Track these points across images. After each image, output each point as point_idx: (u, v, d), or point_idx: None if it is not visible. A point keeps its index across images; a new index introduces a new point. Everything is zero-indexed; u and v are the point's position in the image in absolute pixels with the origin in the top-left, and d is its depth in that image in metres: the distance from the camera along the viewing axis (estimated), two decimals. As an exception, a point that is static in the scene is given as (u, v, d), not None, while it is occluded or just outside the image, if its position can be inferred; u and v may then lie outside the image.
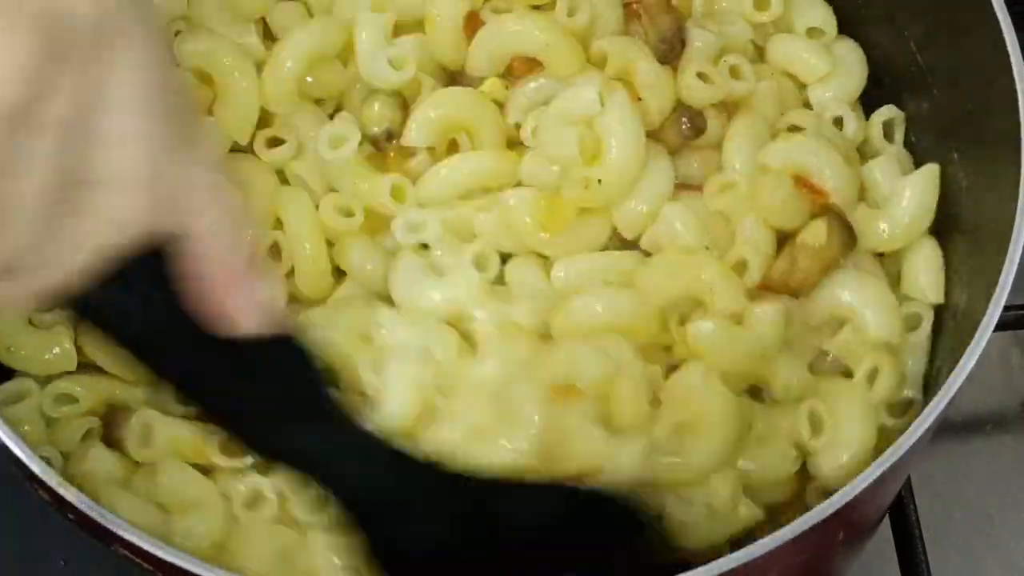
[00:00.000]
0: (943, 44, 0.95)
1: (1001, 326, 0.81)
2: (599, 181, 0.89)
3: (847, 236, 0.90)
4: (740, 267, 0.91)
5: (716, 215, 0.92)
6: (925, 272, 0.94)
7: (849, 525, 0.85)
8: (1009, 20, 0.86)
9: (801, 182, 0.91)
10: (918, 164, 0.97)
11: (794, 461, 0.88)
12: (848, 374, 0.91)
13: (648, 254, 0.92)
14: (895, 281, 0.95)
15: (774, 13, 0.99)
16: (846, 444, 0.87)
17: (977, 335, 0.79)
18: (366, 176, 0.93)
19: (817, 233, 0.90)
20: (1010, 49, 0.85)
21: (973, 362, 0.79)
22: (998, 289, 0.80)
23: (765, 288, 0.91)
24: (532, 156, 0.92)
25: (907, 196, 0.94)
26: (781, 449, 0.88)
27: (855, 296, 0.90)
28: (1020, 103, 0.84)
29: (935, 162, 0.95)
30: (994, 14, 0.86)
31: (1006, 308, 0.81)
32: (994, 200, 0.86)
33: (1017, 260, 0.81)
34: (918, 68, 0.97)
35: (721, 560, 0.73)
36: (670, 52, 0.95)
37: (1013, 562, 1.10)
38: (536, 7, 0.96)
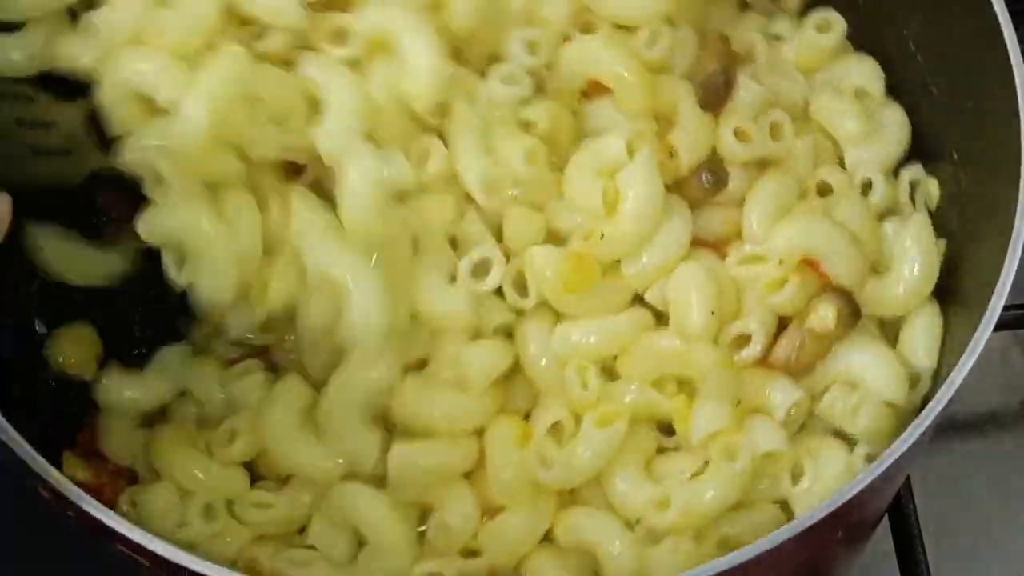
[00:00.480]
0: (942, 43, 0.95)
1: (1001, 325, 0.81)
2: (602, 235, 0.89)
3: (853, 317, 0.90)
4: (743, 340, 0.90)
5: (730, 280, 0.92)
6: (924, 340, 0.91)
7: (848, 525, 0.85)
8: (1009, 20, 0.86)
9: (808, 263, 0.90)
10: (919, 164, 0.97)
11: (778, 524, 0.87)
12: (836, 432, 0.90)
13: (655, 310, 0.92)
14: (891, 340, 0.93)
15: (837, 34, 0.98)
16: (824, 492, 0.86)
17: (977, 334, 0.79)
18: None
19: (825, 318, 0.89)
20: (1010, 49, 0.85)
21: (972, 361, 0.79)
22: (998, 288, 0.81)
23: (765, 366, 0.90)
24: (556, 203, 0.92)
25: (910, 262, 0.92)
26: (768, 512, 0.88)
27: (861, 364, 0.90)
28: (1020, 103, 0.84)
29: (935, 160, 0.95)
30: (993, 14, 0.86)
31: (1006, 308, 0.81)
32: (994, 199, 0.86)
33: (1017, 260, 0.81)
34: (916, 66, 0.97)
35: (721, 560, 0.73)
36: (714, 98, 0.94)
37: (1013, 562, 1.10)
38: (622, 27, 0.96)
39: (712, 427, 0.87)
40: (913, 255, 0.92)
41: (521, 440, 0.88)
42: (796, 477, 0.88)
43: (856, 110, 0.97)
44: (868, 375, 0.89)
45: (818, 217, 0.92)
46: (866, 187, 0.96)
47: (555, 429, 0.88)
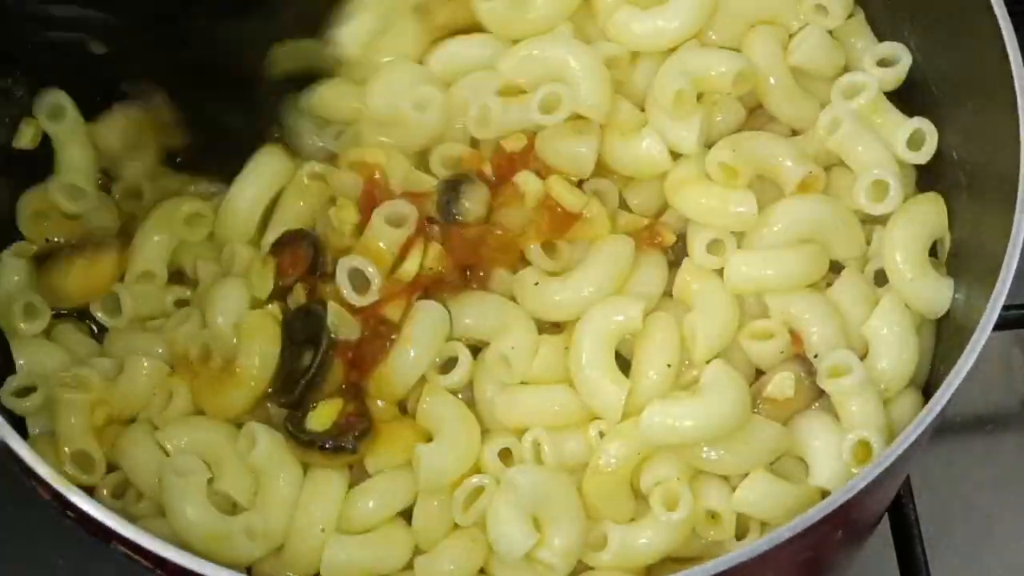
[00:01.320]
0: (942, 43, 0.95)
1: (1001, 325, 0.81)
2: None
3: (813, 389, 0.89)
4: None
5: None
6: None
7: (848, 524, 0.85)
8: (1009, 20, 0.86)
9: (794, 334, 0.91)
10: (920, 170, 0.97)
11: None
12: None
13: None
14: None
15: (892, 203, 0.93)
16: None
17: (977, 334, 0.79)
18: None
19: (784, 387, 0.89)
20: (1010, 49, 0.85)
21: (972, 361, 0.79)
22: (997, 288, 0.80)
23: None
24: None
25: (886, 352, 0.90)
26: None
27: (810, 446, 0.88)
28: (1020, 103, 0.84)
29: (934, 160, 0.95)
30: (993, 14, 0.86)
31: (1006, 308, 0.81)
32: (994, 199, 0.86)
33: (1016, 259, 0.81)
34: (916, 66, 0.96)
35: (721, 559, 0.73)
36: None
37: (1013, 562, 1.10)
38: None
39: (658, 476, 0.87)
40: (889, 345, 0.90)
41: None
42: (741, 536, 0.87)
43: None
44: (814, 460, 0.87)
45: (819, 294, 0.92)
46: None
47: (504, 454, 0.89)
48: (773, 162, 0.94)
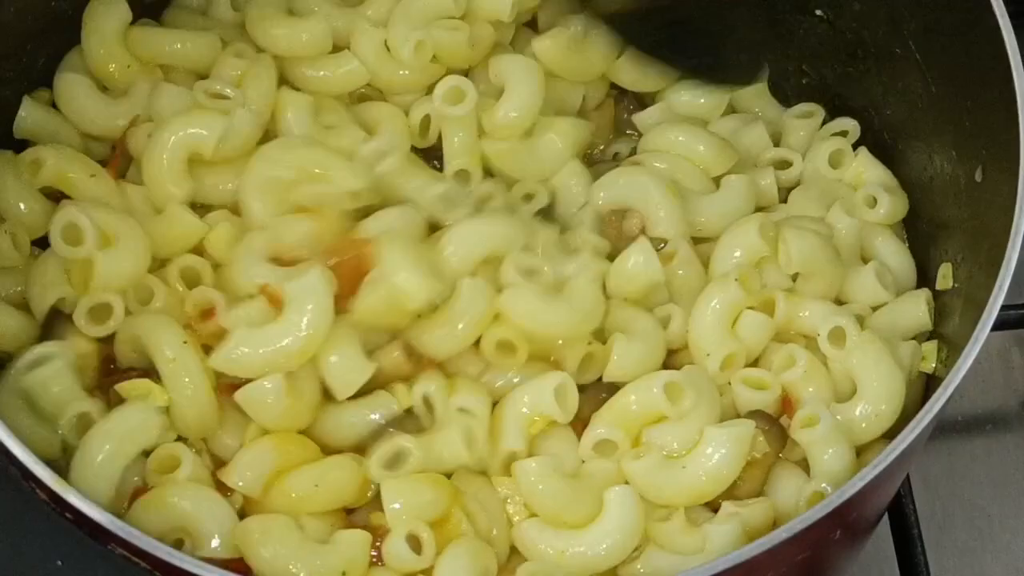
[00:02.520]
0: (942, 43, 0.95)
1: (1000, 325, 0.81)
2: None
3: (781, 436, 0.90)
4: None
5: None
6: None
7: (847, 524, 0.85)
8: (1008, 20, 0.86)
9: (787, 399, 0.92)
10: (915, 164, 0.97)
11: None
12: None
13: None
14: None
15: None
16: None
17: (975, 334, 0.79)
18: None
19: (757, 446, 0.89)
20: (1010, 49, 0.85)
21: (971, 361, 0.79)
22: (996, 288, 0.80)
23: None
24: None
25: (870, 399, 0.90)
26: None
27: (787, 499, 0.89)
28: (1019, 104, 0.84)
29: (934, 160, 0.95)
30: (993, 15, 0.86)
31: (1005, 307, 0.81)
32: (993, 199, 0.86)
33: (1015, 260, 0.81)
34: (916, 65, 0.97)
35: (721, 560, 0.73)
36: None
37: (1013, 562, 1.10)
38: None
39: None
40: (872, 394, 0.90)
41: None
42: None
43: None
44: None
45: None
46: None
47: None
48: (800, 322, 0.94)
